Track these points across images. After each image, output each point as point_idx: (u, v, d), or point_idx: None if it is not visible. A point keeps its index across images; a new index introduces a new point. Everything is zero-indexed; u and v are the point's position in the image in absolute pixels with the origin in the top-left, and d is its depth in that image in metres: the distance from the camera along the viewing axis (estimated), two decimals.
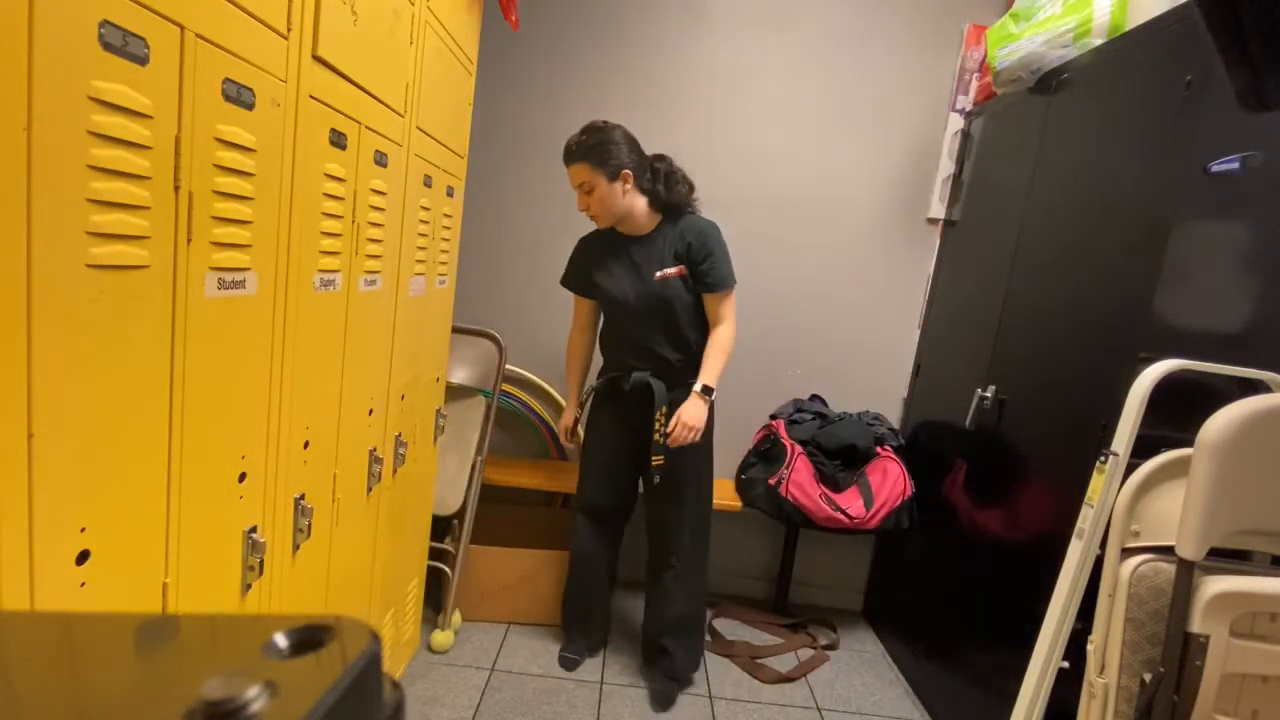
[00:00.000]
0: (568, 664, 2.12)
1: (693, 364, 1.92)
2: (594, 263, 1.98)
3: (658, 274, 1.89)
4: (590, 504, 2.09)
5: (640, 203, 1.89)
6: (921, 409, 2.46)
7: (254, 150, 0.88)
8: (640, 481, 2.09)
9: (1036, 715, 1.31)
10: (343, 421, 1.29)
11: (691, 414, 1.84)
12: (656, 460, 1.89)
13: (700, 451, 1.95)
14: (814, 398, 2.54)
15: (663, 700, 1.98)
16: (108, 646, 0.26)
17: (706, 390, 1.87)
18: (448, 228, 1.86)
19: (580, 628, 2.17)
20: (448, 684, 1.96)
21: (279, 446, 1.05)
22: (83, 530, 0.68)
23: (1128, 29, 1.62)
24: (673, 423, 1.84)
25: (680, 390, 1.91)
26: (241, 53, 0.84)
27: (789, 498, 2.21)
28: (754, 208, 2.48)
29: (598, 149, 1.81)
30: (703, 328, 1.95)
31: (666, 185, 1.90)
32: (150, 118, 0.70)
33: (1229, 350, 1.25)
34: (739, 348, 2.48)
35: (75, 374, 0.65)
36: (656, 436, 1.89)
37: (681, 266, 1.89)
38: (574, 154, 1.83)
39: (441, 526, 2.19)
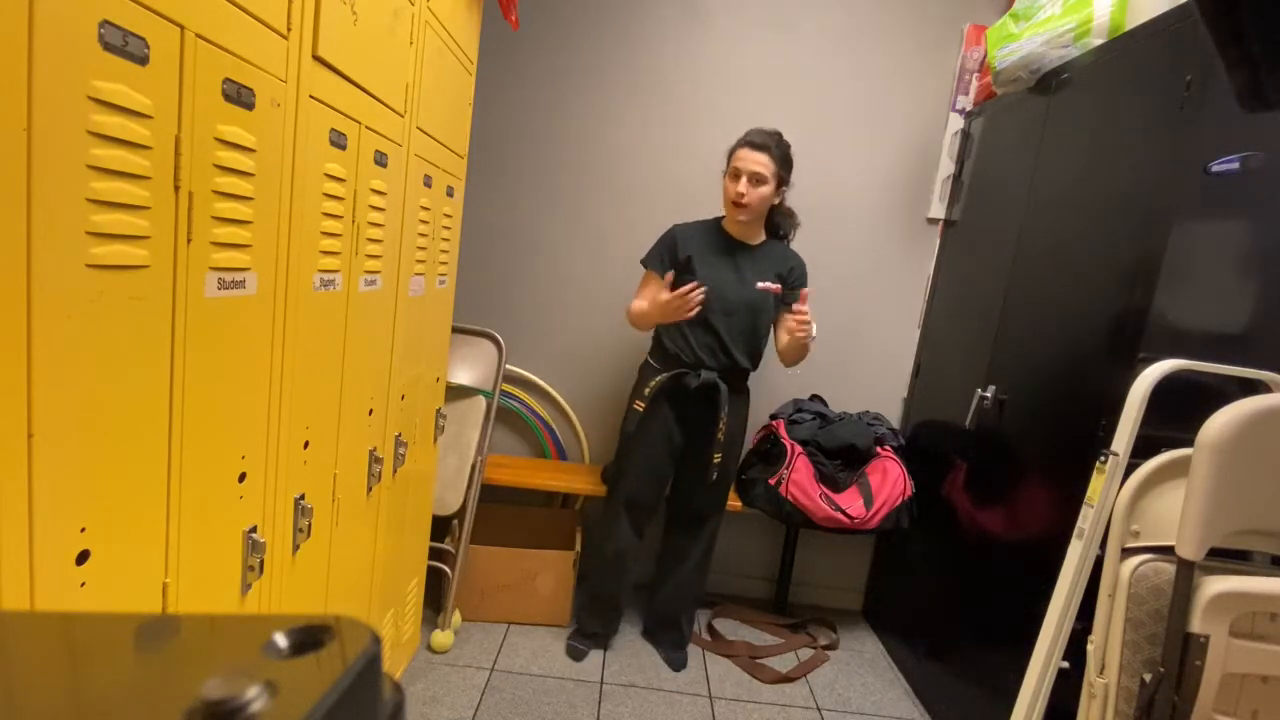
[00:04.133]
0: (578, 654, 2.16)
1: (750, 373, 2.11)
2: (695, 252, 2.01)
3: (760, 284, 2.01)
4: (634, 500, 2.13)
5: (764, 216, 2.04)
6: (921, 409, 2.46)
7: (254, 150, 0.88)
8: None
9: (1036, 715, 1.31)
10: (343, 421, 1.29)
11: (808, 319, 1.90)
12: (716, 458, 2.05)
13: (739, 445, 2.15)
14: (814, 398, 2.54)
15: (681, 663, 2.19)
16: (108, 646, 0.26)
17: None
18: (448, 228, 1.86)
19: (604, 619, 2.22)
20: (448, 684, 1.96)
21: (279, 446, 1.05)
22: (83, 530, 0.68)
23: (1128, 29, 1.62)
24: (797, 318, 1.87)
25: (736, 396, 2.07)
26: (241, 53, 0.84)
27: (789, 498, 2.20)
28: None
29: (788, 155, 1.97)
30: (765, 341, 2.11)
31: (788, 214, 2.10)
32: (150, 118, 0.70)
33: (1229, 350, 1.25)
34: None
35: (75, 374, 0.65)
36: (720, 435, 2.03)
37: (779, 286, 2.04)
38: (769, 146, 1.92)
39: (441, 526, 2.19)
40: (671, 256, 2.05)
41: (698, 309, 1.89)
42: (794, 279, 2.07)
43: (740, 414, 2.12)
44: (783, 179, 1.97)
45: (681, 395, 2.04)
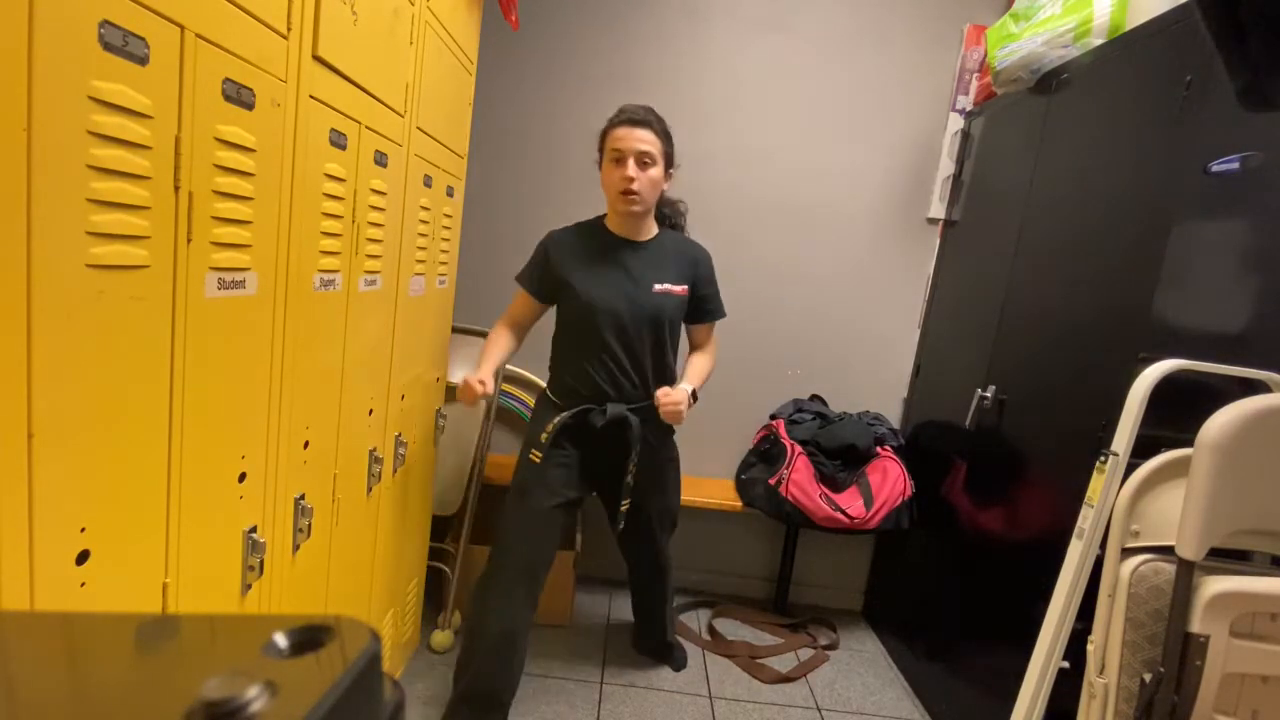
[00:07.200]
0: None
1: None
2: (572, 264, 1.69)
3: (657, 286, 1.68)
4: (526, 565, 1.69)
5: (654, 206, 1.72)
6: (921, 409, 2.46)
7: (254, 150, 0.88)
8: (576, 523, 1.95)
9: (1036, 715, 1.31)
10: (343, 421, 1.29)
11: (681, 397, 1.63)
12: (624, 505, 1.75)
13: (673, 476, 1.88)
14: (814, 398, 2.54)
15: (681, 664, 2.18)
16: (108, 646, 0.26)
17: (694, 395, 1.70)
18: (448, 228, 1.86)
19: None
20: (448, 684, 1.95)
21: (279, 446, 1.05)
22: (83, 530, 0.68)
23: (1128, 29, 1.62)
24: (664, 397, 1.62)
25: (650, 427, 1.72)
26: (241, 53, 0.84)
27: (789, 498, 2.20)
28: (754, 208, 2.48)
29: (666, 130, 1.66)
30: (674, 356, 1.79)
31: (674, 204, 1.84)
32: (150, 118, 0.70)
33: (1229, 350, 1.25)
34: (740, 346, 2.49)
35: (75, 374, 0.65)
36: (629, 479, 1.72)
37: (686, 287, 1.73)
38: (650, 121, 1.61)
39: (441, 526, 2.19)
40: (542, 273, 1.72)
41: (476, 401, 1.60)
42: (701, 278, 1.76)
43: (666, 443, 1.83)
44: (670, 158, 1.66)
45: (587, 436, 1.71)
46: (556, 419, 1.69)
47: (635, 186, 1.60)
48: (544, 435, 1.69)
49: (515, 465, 1.76)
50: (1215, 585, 1.06)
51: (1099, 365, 1.49)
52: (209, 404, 0.86)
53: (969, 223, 2.29)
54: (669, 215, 1.82)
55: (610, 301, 1.65)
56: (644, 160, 1.60)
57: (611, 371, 1.69)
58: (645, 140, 1.59)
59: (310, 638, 0.25)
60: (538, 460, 1.69)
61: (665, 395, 1.63)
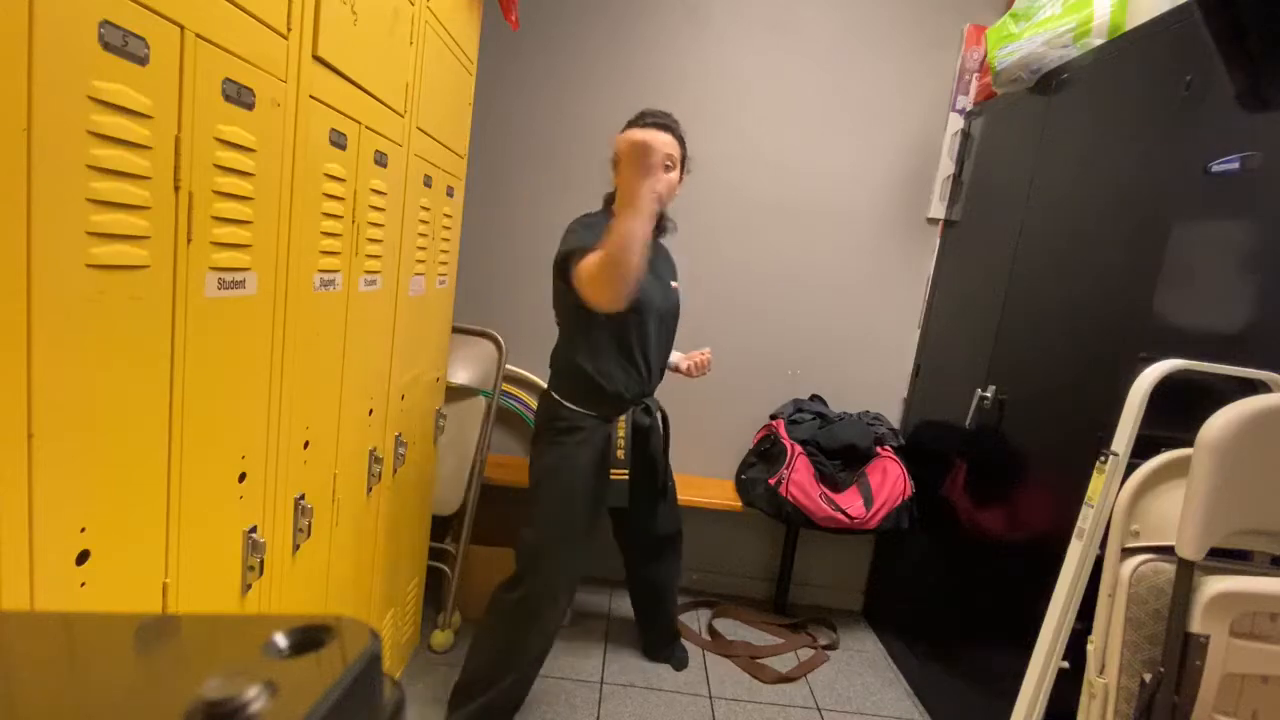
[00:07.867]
0: None
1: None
2: None
3: (673, 283, 1.81)
4: (571, 580, 1.72)
5: None
6: (921, 409, 2.46)
7: (254, 150, 0.88)
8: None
9: (1036, 715, 1.31)
10: (343, 421, 1.29)
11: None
12: (669, 485, 1.91)
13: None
14: (814, 398, 2.54)
15: (682, 663, 2.18)
16: (108, 646, 0.26)
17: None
18: (448, 228, 1.86)
19: None
20: (448, 684, 1.95)
21: (279, 446, 1.05)
22: (83, 530, 0.68)
23: (1128, 29, 1.62)
24: (708, 365, 1.81)
25: (661, 412, 1.84)
26: (241, 53, 0.84)
27: (789, 498, 2.21)
28: (754, 208, 2.48)
29: (683, 136, 1.68)
30: None
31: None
32: (150, 118, 0.70)
33: (1229, 350, 1.25)
34: (740, 346, 2.50)
35: (75, 374, 0.65)
36: (662, 462, 1.87)
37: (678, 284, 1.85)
38: (672, 127, 1.64)
39: (441, 526, 2.19)
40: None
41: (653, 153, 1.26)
42: (677, 276, 1.86)
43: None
44: (684, 164, 1.70)
45: (637, 438, 1.74)
46: (621, 427, 1.69)
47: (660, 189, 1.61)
48: (619, 451, 1.67)
49: (562, 471, 1.65)
50: (1215, 585, 1.06)
51: (1099, 365, 1.49)
52: (209, 404, 0.86)
53: (969, 223, 2.29)
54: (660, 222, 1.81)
55: (653, 297, 1.68)
56: (667, 164, 1.62)
57: (651, 365, 1.73)
58: (671, 145, 1.63)
59: (310, 638, 0.25)
60: (623, 479, 1.67)
61: (706, 362, 1.81)
